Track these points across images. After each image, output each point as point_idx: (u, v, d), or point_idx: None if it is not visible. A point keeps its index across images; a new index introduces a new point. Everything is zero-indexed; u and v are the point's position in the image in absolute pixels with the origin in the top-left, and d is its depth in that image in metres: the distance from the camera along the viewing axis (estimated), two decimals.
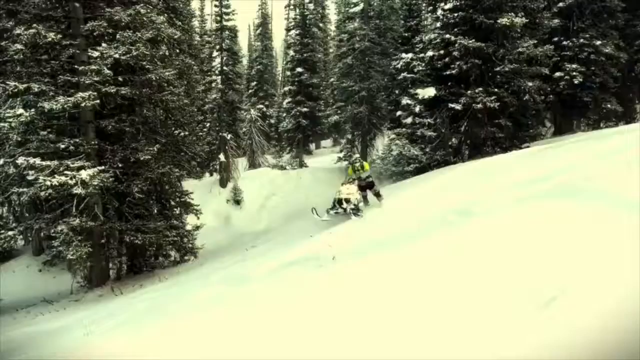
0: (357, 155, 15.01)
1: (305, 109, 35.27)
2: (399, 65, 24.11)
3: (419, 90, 19.88)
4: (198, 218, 17.88)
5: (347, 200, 12.63)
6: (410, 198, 12.84)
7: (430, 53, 19.76)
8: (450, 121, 19.44)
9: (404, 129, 21.17)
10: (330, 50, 45.85)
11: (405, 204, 12.27)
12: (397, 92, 24.93)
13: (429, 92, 19.41)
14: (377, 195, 13.55)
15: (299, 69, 35.45)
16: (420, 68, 21.25)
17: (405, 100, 20.78)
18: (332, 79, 34.38)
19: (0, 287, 17.40)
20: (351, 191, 12.84)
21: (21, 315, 13.75)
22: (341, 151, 30.20)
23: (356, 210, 12.54)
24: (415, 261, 5.60)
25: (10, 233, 14.61)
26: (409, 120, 20.65)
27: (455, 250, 5.40)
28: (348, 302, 5.04)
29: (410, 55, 23.31)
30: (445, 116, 19.28)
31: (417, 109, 20.10)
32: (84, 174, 13.21)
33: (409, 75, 22.88)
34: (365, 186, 13.61)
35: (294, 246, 11.22)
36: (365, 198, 13.74)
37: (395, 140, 21.39)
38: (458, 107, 18.55)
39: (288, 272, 7.70)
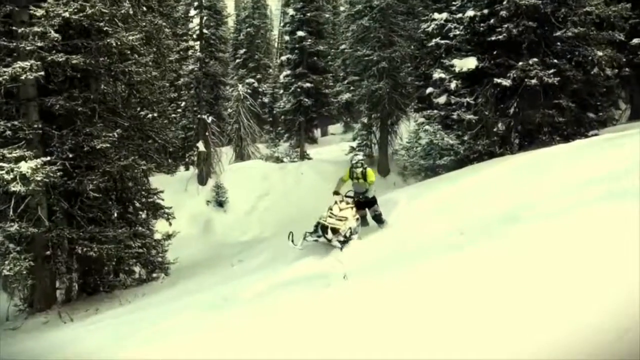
0: (361, 158, 13.37)
1: (308, 85, 35.40)
2: (429, 29, 24.00)
3: (455, 61, 19.88)
4: (170, 224, 17.92)
5: (335, 231, 11.43)
6: (443, 198, 13.04)
7: (470, 13, 19.80)
8: (495, 101, 19.36)
9: (435, 111, 21.12)
10: (341, 9, 45.79)
11: (437, 205, 12.52)
12: (427, 63, 24.87)
13: (469, 63, 19.43)
14: (378, 219, 12.68)
15: (301, 33, 35.48)
16: (458, 32, 21.22)
17: (437, 74, 20.76)
18: (343, 46, 34.41)
19: None
20: (345, 215, 11.73)
21: None
22: (354, 139, 30.30)
23: (345, 242, 11.40)
24: (452, 280, 5.61)
25: None
26: (442, 99, 20.61)
27: (500, 267, 5.49)
28: (368, 338, 4.90)
29: (444, 15, 23.20)
30: (490, 95, 19.19)
31: (453, 85, 20.09)
32: (25, 167, 13.25)
33: (442, 42, 22.79)
34: (364, 203, 12.76)
35: (294, 262, 11.48)
36: (363, 218, 12.92)
37: (424, 126, 21.41)
38: (506, 82, 18.45)
39: (285, 294, 7.76)
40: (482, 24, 19.44)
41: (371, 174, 12.93)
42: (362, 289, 6.39)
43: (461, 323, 4.71)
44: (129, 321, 10.69)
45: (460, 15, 21.31)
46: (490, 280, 5.30)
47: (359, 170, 12.73)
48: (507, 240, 6.41)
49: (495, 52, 19.35)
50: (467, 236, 7.50)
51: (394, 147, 28.54)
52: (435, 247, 7.79)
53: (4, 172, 13.07)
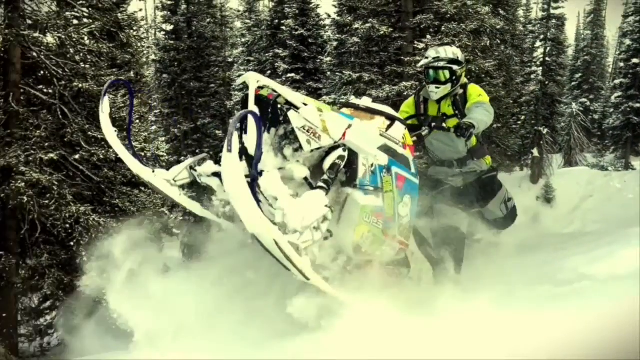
0: (449, 55, 5.01)
1: (638, 105, 31.27)
2: None
3: None
4: None
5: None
6: None
7: None
8: None
9: None
10: None
11: None
12: None
13: None
14: (508, 215, 5.77)
15: (636, 60, 31.60)
16: None
17: None
18: None
19: None
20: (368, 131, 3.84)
21: None
22: None
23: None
24: None
25: None
26: None
27: None
28: None
29: None
30: None
31: None
32: None
33: None
34: (471, 192, 5.32)
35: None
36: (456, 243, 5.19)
37: None
38: None
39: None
40: None
41: (477, 92, 5.14)
42: None
43: None
44: None
45: None
46: None
47: (441, 89, 4.99)
48: None
49: None
50: None
51: None
52: None
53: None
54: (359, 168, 3.57)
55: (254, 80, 3.51)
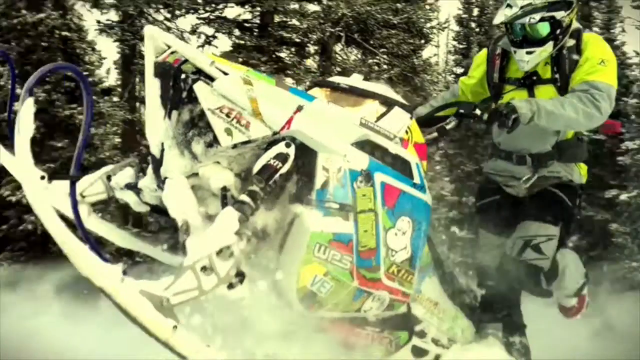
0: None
1: None
2: None
3: None
4: None
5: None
6: None
7: None
8: None
9: None
10: None
11: None
12: None
13: None
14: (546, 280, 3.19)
15: None
16: None
17: None
18: None
19: None
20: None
21: None
22: None
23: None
24: None
25: (634, 264, 14.86)
26: None
27: None
28: None
29: None
30: None
31: None
32: None
33: None
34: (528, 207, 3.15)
35: None
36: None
37: None
38: None
39: None
40: None
41: (599, 52, 2.90)
42: None
43: None
44: None
45: None
46: None
47: (535, 55, 2.90)
48: None
49: None
50: None
51: None
52: None
53: None
54: (317, 174, 2.25)
55: (151, 37, 2.20)
